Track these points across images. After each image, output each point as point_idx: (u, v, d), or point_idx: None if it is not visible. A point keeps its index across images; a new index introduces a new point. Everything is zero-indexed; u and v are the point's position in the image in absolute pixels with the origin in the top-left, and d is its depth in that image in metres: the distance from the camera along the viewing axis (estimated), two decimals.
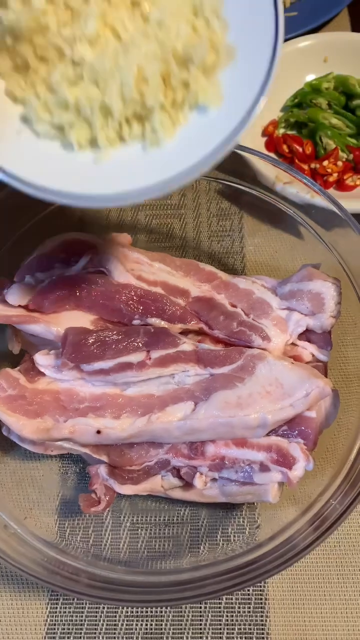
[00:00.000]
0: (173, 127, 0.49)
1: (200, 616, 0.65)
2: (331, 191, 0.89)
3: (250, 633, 0.64)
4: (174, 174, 0.46)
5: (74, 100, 0.48)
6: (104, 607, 0.65)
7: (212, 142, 0.47)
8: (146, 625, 0.64)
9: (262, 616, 0.65)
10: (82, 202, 0.47)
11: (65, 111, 0.49)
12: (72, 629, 0.65)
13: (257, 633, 0.64)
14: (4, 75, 0.50)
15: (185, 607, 0.65)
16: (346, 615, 0.65)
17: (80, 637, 0.64)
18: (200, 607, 0.65)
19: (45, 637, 0.64)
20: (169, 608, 0.65)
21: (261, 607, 0.65)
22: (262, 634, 0.64)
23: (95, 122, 0.49)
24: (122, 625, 0.65)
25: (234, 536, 0.67)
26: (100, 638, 0.64)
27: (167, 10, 0.48)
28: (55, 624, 0.65)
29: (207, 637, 0.64)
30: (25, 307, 0.67)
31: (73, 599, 0.66)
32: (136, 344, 0.64)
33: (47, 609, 0.66)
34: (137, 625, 0.65)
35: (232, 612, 0.65)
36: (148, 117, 0.49)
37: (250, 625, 0.64)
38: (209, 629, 0.64)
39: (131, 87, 0.47)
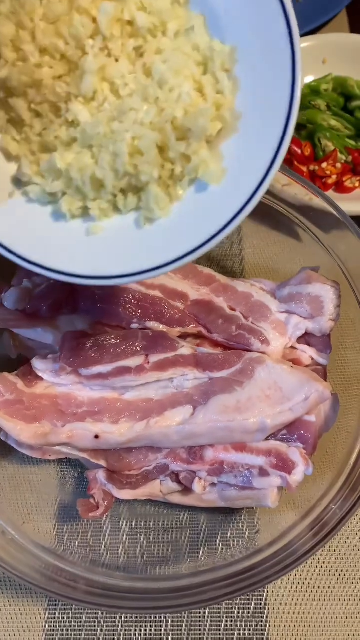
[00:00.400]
0: (169, 203, 0.46)
1: (200, 621, 0.64)
2: (330, 193, 0.89)
3: (250, 638, 0.64)
4: (165, 260, 0.43)
5: (65, 167, 0.45)
6: (103, 613, 0.65)
7: (209, 227, 0.43)
8: (145, 630, 0.64)
9: (261, 621, 0.64)
10: (66, 278, 0.44)
11: (57, 178, 0.46)
12: (71, 635, 0.64)
13: (256, 638, 0.64)
14: None
15: (185, 613, 0.64)
16: (346, 619, 0.64)
17: None
18: (200, 613, 0.65)
19: None
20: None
21: (261, 613, 0.65)
22: (262, 639, 0.64)
23: (87, 193, 0.46)
24: (121, 630, 0.64)
25: (234, 541, 0.67)
26: None
27: (172, 64, 0.44)
28: (53, 630, 0.64)
29: None
30: (23, 312, 0.66)
31: (72, 605, 0.65)
32: (134, 348, 0.64)
33: (45, 614, 0.65)
34: (136, 630, 0.64)
35: (231, 617, 0.64)
36: (144, 190, 0.46)
37: (249, 630, 0.64)
38: (208, 634, 0.64)
39: (124, 160, 0.44)
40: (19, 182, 0.47)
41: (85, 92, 0.45)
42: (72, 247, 0.46)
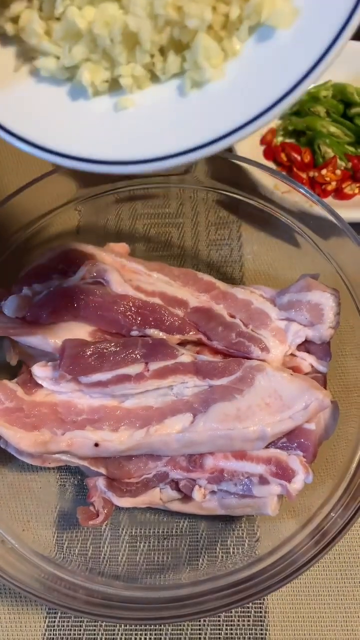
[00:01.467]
0: (223, 60, 0.35)
1: (200, 630, 0.64)
2: (329, 200, 0.89)
3: None
4: (221, 132, 0.33)
5: (87, 26, 0.34)
6: (102, 622, 0.65)
7: (279, 83, 0.33)
8: (145, 638, 0.64)
9: (261, 630, 0.64)
10: (92, 167, 0.35)
11: (76, 42, 0.35)
12: None
13: None
14: None
15: None
16: (346, 628, 0.64)
17: None
18: (200, 621, 0.64)
19: None
20: None
21: (261, 621, 0.65)
22: None
23: (117, 56, 0.35)
24: (120, 638, 0.64)
25: (234, 549, 0.67)
26: None
27: None
28: (53, 638, 0.64)
29: None
30: (23, 319, 0.66)
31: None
32: (134, 356, 0.64)
33: (44, 623, 0.65)
34: (136, 638, 0.64)
35: (231, 625, 0.64)
36: (189, 45, 0.35)
37: (250, 638, 0.64)
38: None
39: (165, 0, 0.32)
40: (24, 55, 0.38)
41: None
42: (97, 129, 0.36)
